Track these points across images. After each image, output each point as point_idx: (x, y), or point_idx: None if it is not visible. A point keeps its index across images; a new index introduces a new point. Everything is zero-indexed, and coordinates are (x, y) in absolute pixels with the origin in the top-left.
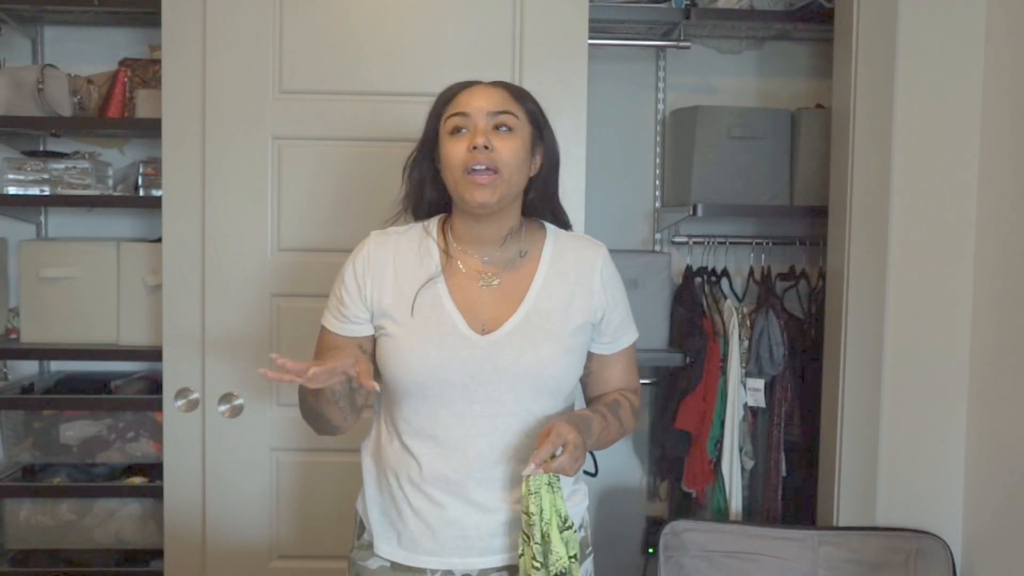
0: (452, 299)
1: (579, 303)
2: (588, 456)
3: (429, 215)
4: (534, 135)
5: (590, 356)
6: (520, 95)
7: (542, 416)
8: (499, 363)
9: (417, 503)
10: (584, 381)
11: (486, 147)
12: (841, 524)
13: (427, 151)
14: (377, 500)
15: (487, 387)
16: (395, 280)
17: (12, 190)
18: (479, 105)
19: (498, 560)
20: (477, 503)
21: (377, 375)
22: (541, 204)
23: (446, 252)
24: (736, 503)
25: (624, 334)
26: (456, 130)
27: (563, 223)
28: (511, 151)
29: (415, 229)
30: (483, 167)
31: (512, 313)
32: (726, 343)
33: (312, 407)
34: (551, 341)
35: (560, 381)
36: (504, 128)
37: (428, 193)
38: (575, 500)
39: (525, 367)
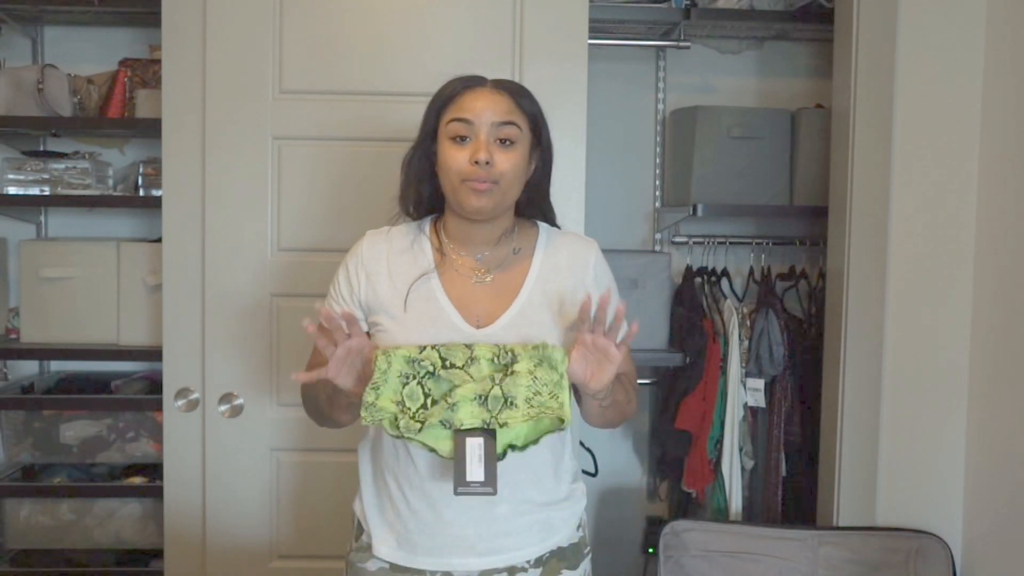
0: (446, 294)
1: (573, 299)
2: (588, 455)
3: (427, 211)
4: (533, 141)
5: None
6: (522, 98)
7: None
8: None
9: (415, 503)
10: None
11: (488, 163)
12: (841, 524)
13: (425, 147)
14: (375, 501)
15: None
16: (389, 276)
17: (12, 190)
18: (484, 114)
19: (499, 561)
20: (476, 502)
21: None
22: (532, 205)
23: (440, 250)
24: (736, 503)
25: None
26: (458, 137)
27: (551, 222)
28: (511, 165)
29: (409, 227)
30: (483, 181)
31: (506, 308)
32: (726, 343)
33: (324, 411)
34: (546, 335)
35: None
36: (507, 142)
37: (425, 190)
38: (573, 499)
39: None
